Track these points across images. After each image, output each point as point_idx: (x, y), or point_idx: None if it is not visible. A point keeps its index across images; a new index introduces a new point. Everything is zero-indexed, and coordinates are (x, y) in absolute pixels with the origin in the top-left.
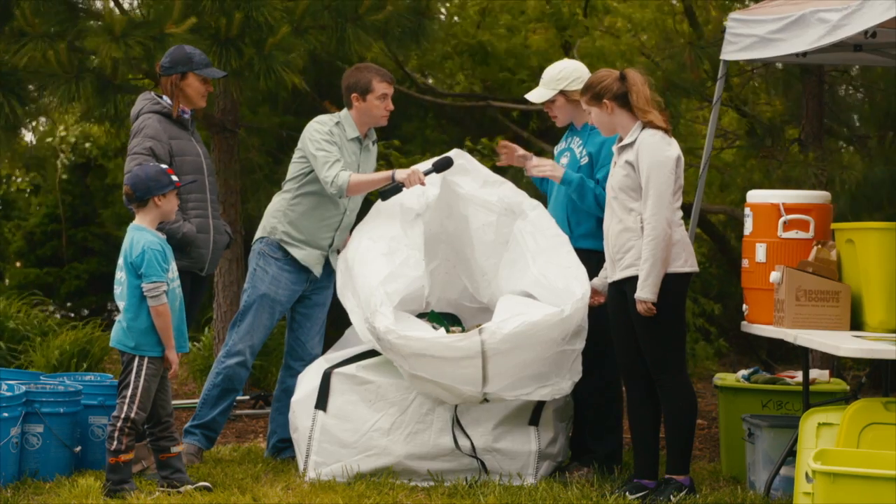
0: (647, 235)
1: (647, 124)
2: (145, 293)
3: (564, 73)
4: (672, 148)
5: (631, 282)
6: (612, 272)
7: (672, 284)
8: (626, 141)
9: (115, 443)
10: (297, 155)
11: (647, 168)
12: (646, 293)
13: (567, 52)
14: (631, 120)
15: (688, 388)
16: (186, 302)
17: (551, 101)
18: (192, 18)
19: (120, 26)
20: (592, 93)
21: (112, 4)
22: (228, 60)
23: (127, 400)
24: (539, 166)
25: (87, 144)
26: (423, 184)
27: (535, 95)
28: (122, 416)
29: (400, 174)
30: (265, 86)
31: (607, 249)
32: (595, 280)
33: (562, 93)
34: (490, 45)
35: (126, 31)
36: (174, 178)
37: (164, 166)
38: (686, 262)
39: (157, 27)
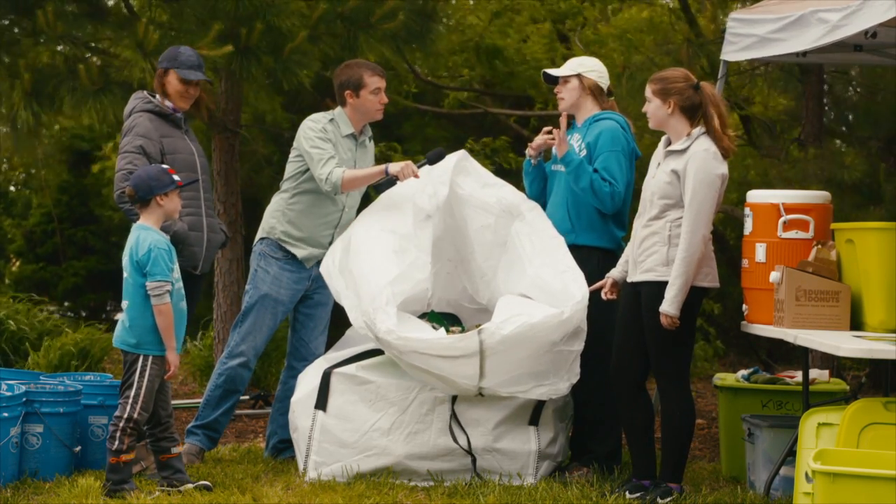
0: (683, 251)
1: (719, 146)
2: (149, 291)
3: (586, 61)
4: (722, 165)
5: (647, 286)
6: (632, 272)
7: (690, 297)
8: (676, 147)
9: (117, 443)
10: (293, 154)
11: (694, 183)
12: (673, 308)
13: (565, 41)
14: (685, 126)
15: (687, 399)
16: None
17: (566, 81)
18: (228, 46)
19: (152, 43)
20: (662, 86)
21: (123, 8)
22: (248, 68)
23: (130, 400)
24: (558, 137)
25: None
26: (416, 176)
27: (556, 70)
28: (125, 416)
29: (393, 168)
30: (287, 88)
31: (631, 248)
32: (614, 271)
33: (579, 76)
34: (499, 46)
35: (158, 49)
36: (176, 177)
37: (165, 166)
38: (706, 276)
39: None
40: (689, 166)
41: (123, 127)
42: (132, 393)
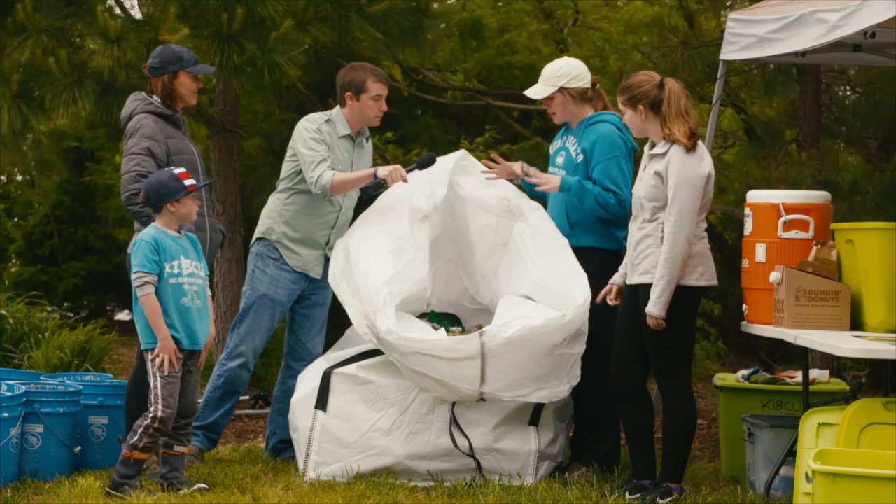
0: (666, 252)
1: (669, 137)
2: (132, 282)
3: (564, 71)
4: (703, 164)
5: (644, 288)
6: (630, 275)
7: (685, 297)
8: (658, 150)
9: (136, 437)
10: (289, 154)
11: (675, 184)
12: (658, 309)
13: (558, 44)
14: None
15: (688, 399)
16: None
17: (550, 98)
18: (185, 28)
19: (115, 30)
20: (629, 95)
21: (112, 2)
22: (230, 56)
23: (152, 400)
24: (537, 178)
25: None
26: (405, 181)
27: (535, 91)
28: (151, 415)
29: (382, 171)
30: (269, 80)
31: (629, 251)
32: (616, 277)
33: (561, 90)
34: (480, 21)
35: (121, 36)
36: (188, 182)
37: (178, 171)
38: (702, 275)
39: (152, 32)
40: (670, 167)
41: (127, 129)
42: (152, 394)
